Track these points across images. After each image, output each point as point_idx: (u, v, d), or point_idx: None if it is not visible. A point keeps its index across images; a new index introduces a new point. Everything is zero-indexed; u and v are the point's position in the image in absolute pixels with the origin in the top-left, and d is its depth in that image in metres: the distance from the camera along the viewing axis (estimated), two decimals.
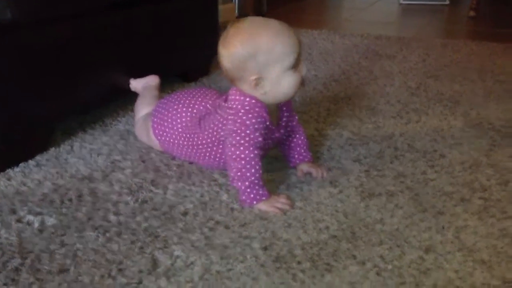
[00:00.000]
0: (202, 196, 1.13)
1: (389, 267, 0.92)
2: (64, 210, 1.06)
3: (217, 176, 1.21)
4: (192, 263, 0.91)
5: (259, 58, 1.05)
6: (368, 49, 2.41)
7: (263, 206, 1.08)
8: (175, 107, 1.25)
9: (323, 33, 2.71)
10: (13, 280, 0.85)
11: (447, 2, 3.78)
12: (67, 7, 1.29)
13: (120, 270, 0.89)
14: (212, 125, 1.17)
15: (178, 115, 1.24)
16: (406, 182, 1.20)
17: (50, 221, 1.02)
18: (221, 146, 1.16)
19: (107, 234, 0.98)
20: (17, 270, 0.88)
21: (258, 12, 3.18)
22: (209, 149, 1.20)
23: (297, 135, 1.25)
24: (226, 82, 1.15)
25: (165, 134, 1.26)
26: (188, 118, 1.22)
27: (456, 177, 1.23)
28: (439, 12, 3.57)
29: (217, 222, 1.03)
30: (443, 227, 1.03)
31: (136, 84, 1.54)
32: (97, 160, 1.27)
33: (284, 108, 1.19)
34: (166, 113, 1.26)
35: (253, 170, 1.08)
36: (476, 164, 1.29)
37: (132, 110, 1.49)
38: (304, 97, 1.75)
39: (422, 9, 3.64)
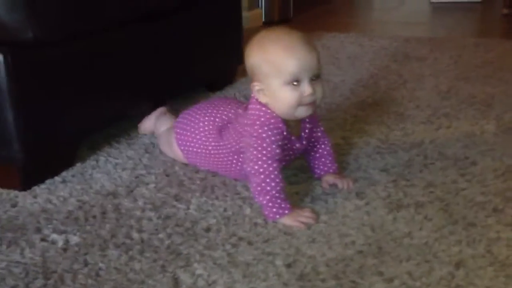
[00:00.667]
0: (225, 210, 1.11)
1: (417, 284, 0.88)
2: (88, 228, 1.06)
3: (240, 189, 1.19)
4: (214, 282, 0.90)
5: (263, 68, 1.08)
6: (397, 51, 2.36)
7: (286, 221, 1.06)
8: (198, 116, 1.25)
9: (351, 36, 2.67)
10: None
11: (480, 0, 3.69)
12: (89, 23, 1.30)
13: None
14: (233, 135, 1.17)
15: (201, 123, 1.24)
16: (436, 192, 1.16)
17: (74, 239, 1.02)
18: (241, 155, 1.15)
19: (130, 253, 0.98)
20: None
21: (284, 18, 3.16)
22: (230, 158, 1.19)
23: (323, 146, 1.23)
24: (251, 91, 1.14)
25: (187, 144, 1.26)
26: (211, 127, 1.22)
27: (488, 186, 1.18)
28: (471, 10, 3.49)
29: (240, 238, 1.02)
30: (474, 240, 0.99)
31: (147, 123, 1.48)
32: (122, 175, 1.27)
33: (307, 119, 1.17)
34: (189, 123, 1.26)
35: (273, 184, 1.07)
36: (510, 171, 1.24)
37: None
38: (330, 103, 1.72)
39: (454, 8, 3.55)
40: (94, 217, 1.10)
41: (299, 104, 1.07)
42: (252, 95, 1.14)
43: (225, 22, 1.85)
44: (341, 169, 1.26)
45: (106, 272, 0.93)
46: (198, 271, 0.92)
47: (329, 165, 1.23)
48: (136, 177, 1.26)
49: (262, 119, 1.10)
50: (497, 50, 2.32)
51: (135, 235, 1.03)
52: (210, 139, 1.22)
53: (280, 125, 1.10)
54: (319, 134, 1.23)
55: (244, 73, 1.11)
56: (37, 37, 1.13)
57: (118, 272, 0.93)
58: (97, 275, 0.92)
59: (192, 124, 1.26)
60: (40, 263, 0.95)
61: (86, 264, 0.95)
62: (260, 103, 1.11)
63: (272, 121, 1.10)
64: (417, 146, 1.39)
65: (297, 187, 1.20)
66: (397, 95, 1.79)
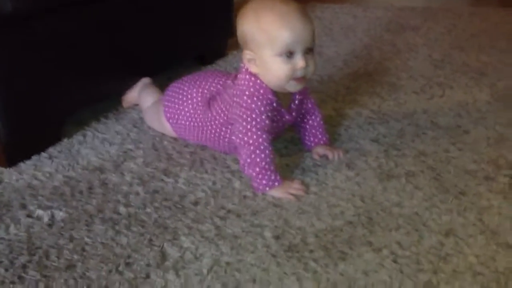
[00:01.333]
0: (214, 184, 1.10)
1: (407, 253, 0.88)
2: (74, 203, 1.04)
3: (230, 163, 1.17)
4: (201, 255, 0.89)
5: (256, 36, 1.04)
6: (391, 21, 2.33)
7: (276, 193, 1.05)
8: (185, 88, 1.23)
9: (345, 7, 2.63)
10: (20, 277, 0.85)
11: None
12: None
13: (127, 264, 0.87)
14: (222, 106, 1.14)
15: (189, 95, 1.21)
16: (427, 162, 1.15)
17: (60, 215, 1.01)
18: (230, 127, 1.13)
19: (117, 227, 0.96)
20: (24, 267, 0.87)
21: None
22: (218, 131, 1.17)
23: (313, 117, 1.21)
24: (241, 60, 1.12)
25: (176, 117, 1.24)
26: (199, 99, 1.19)
27: (481, 154, 1.17)
28: None
29: (229, 211, 1.00)
30: (465, 209, 0.98)
31: (130, 95, 1.45)
32: (109, 150, 1.25)
33: (297, 91, 1.14)
34: (176, 95, 1.24)
35: (263, 155, 1.05)
36: (502, 139, 1.22)
37: None
38: (322, 75, 1.69)
39: None
40: (81, 192, 1.08)
41: (291, 77, 1.04)
42: (242, 65, 1.11)
43: None
44: (332, 141, 1.25)
45: (92, 247, 0.91)
46: (186, 244, 0.91)
47: (320, 136, 1.21)
48: (124, 152, 1.24)
49: (252, 89, 1.08)
50: (493, 19, 2.28)
51: (122, 209, 1.02)
52: (199, 111, 1.19)
53: (270, 96, 1.08)
54: (310, 106, 1.21)
55: (235, 46, 1.08)
56: (16, 9, 1.10)
57: (104, 246, 0.91)
58: (83, 250, 0.91)
59: (180, 96, 1.23)
60: (25, 239, 0.94)
61: (71, 239, 0.94)
62: (250, 73, 1.09)
63: (261, 91, 1.07)
64: (409, 116, 1.37)
65: (287, 159, 1.19)
66: (391, 65, 1.77)
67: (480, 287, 0.80)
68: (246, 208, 1.01)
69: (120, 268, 0.86)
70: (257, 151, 1.06)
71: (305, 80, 1.07)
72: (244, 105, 1.08)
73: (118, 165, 1.18)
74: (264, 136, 1.07)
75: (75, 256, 0.89)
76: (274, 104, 1.09)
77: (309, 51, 1.05)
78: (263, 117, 1.07)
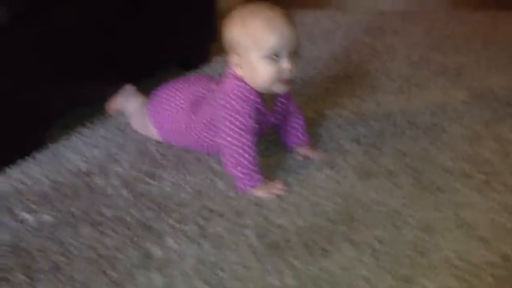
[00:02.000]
0: (197, 185, 1.12)
1: (386, 249, 0.90)
2: (60, 207, 1.06)
3: (213, 164, 1.19)
4: (185, 254, 0.91)
5: (242, 41, 1.07)
6: (370, 25, 2.36)
7: (259, 192, 1.07)
8: (171, 93, 1.25)
9: (326, 12, 2.65)
10: (6, 280, 0.86)
11: None
12: None
13: (112, 265, 0.89)
14: (206, 109, 1.17)
15: (174, 100, 1.23)
16: (406, 160, 1.18)
17: (46, 218, 1.02)
18: (214, 129, 1.15)
19: (101, 229, 0.98)
20: (10, 269, 0.88)
21: None
22: (203, 133, 1.19)
23: (295, 119, 1.24)
24: (227, 65, 1.15)
25: (161, 121, 1.26)
26: (183, 101, 1.22)
27: (457, 152, 1.20)
28: None
29: (212, 211, 1.02)
30: (442, 205, 1.02)
31: (114, 103, 1.44)
32: (94, 153, 1.26)
33: (281, 93, 1.17)
34: (163, 100, 1.26)
35: (247, 156, 1.08)
36: (478, 138, 1.26)
37: None
38: (303, 78, 1.72)
39: None
40: (66, 195, 1.09)
41: (277, 79, 1.07)
42: (228, 70, 1.14)
43: None
44: (314, 142, 1.27)
45: (78, 250, 0.93)
46: (170, 245, 0.93)
47: (301, 137, 1.24)
48: (109, 155, 1.26)
49: (236, 91, 1.10)
50: (469, 22, 2.32)
51: (107, 212, 1.03)
52: (184, 115, 1.21)
53: (255, 98, 1.10)
54: (292, 108, 1.23)
55: (219, 51, 1.11)
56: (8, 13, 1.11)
57: (89, 248, 0.93)
58: (69, 252, 0.92)
59: (166, 101, 1.25)
60: (11, 243, 0.95)
61: (57, 242, 0.95)
62: (236, 77, 1.11)
63: (246, 94, 1.10)
64: (388, 116, 1.40)
65: (269, 160, 1.21)
66: (370, 67, 1.80)
67: (456, 280, 0.83)
68: (229, 208, 1.03)
69: (104, 269, 0.88)
70: (242, 152, 1.08)
71: (290, 82, 1.10)
72: (229, 106, 1.10)
73: (104, 169, 1.19)
74: (248, 137, 1.09)
75: (62, 259, 0.90)
76: (259, 106, 1.12)
77: (293, 54, 1.08)
78: (248, 118, 1.10)
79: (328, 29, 2.34)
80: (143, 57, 1.61)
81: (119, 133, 1.37)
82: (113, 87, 1.49)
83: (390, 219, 0.98)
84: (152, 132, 1.30)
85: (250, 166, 1.08)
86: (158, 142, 1.31)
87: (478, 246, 0.90)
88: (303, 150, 1.22)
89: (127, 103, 1.41)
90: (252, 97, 1.10)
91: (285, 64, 1.06)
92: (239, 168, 1.08)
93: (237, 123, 1.09)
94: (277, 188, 1.08)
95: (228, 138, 1.09)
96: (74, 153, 1.27)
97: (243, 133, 1.09)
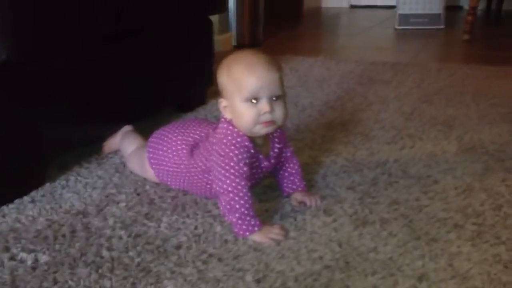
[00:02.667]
0: (196, 228, 1.13)
1: None
2: (57, 247, 1.06)
3: (211, 207, 1.21)
4: None
5: (227, 86, 1.13)
6: (363, 75, 2.43)
7: (256, 237, 1.08)
8: (170, 136, 1.28)
9: (319, 60, 2.73)
10: None
11: (443, 26, 3.81)
12: (61, 43, 1.31)
13: None
14: (203, 153, 1.19)
15: (173, 143, 1.26)
16: (400, 209, 1.20)
17: (43, 258, 1.02)
18: (211, 174, 1.17)
19: (100, 271, 0.98)
20: None
21: (255, 42, 3.21)
22: (200, 177, 1.21)
23: (291, 165, 1.26)
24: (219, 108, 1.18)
25: (160, 163, 1.28)
26: (183, 146, 1.24)
27: (450, 203, 1.23)
28: (434, 36, 3.60)
29: (211, 255, 1.03)
30: (436, 255, 1.03)
31: (112, 142, 1.49)
32: (92, 194, 1.28)
33: (276, 140, 1.20)
34: (161, 142, 1.28)
35: (242, 202, 1.09)
36: (470, 189, 1.29)
37: None
38: (299, 124, 1.76)
39: (418, 34, 3.66)
40: (64, 236, 1.10)
41: (257, 121, 1.10)
42: (221, 114, 1.17)
43: (196, 42, 1.88)
44: (310, 188, 1.30)
45: None
46: None
47: (298, 183, 1.26)
48: (106, 196, 1.27)
49: (229, 137, 1.13)
50: (458, 74, 2.40)
51: (105, 253, 1.04)
52: (183, 158, 1.24)
53: (247, 144, 1.13)
54: (288, 154, 1.26)
55: (215, 95, 1.14)
56: (10, 58, 1.14)
57: None
58: None
59: (164, 143, 1.28)
60: (8, 282, 0.95)
61: (55, 282, 0.95)
62: (228, 122, 1.15)
63: (238, 139, 1.13)
64: (382, 165, 1.44)
65: (266, 205, 1.23)
66: (363, 116, 1.85)
67: None
68: (228, 252, 1.04)
69: None
70: (236, 198, 1.10)
71: (272, 124, 1.12)
72: (222, 153, 1.12)
73: (101, 209, 1.20)
74: (242, 183, 1.11)
75: None
76: (252, 151, 1.14)
77: (276, 98, 1.11)
78: (241, 164, 1.12)
79: (322, 76, 2.40)
80: (142, 100, 1.64)
81: (116, 174, 1.39)
82: (111, 128, 1.51)
83: (387, 267, 0.99)
84: (150, 173, 1.32)
85: (245, 211, 1.09)
86: (156, 184, 1.32)
87: None
88: (300, 196, 1.24)
89: (125, 144, 1.43)
90: (244, 142, 1.13)
91: (264, 106, 1.09)
92: (235, 214, 1.09)
93: (231, 170, 1.11)
94: (274, 233, 1.09)
95: (223, 185, 1.11)
96: (72, 193, 1.28)
97: (237, 180, 1.11)
